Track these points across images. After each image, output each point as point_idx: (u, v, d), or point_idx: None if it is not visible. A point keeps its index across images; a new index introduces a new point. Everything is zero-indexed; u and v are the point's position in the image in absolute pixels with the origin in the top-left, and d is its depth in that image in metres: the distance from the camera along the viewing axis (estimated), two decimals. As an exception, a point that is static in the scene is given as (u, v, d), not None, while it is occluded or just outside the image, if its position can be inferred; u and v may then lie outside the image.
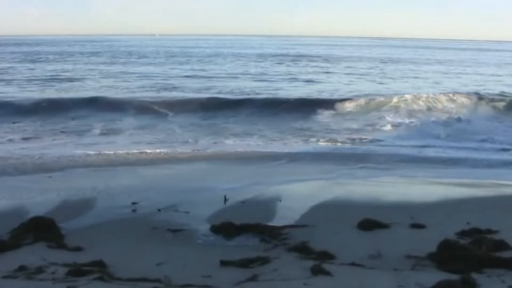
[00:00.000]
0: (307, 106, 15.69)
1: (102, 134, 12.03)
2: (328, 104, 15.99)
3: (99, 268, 4.26)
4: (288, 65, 32.18)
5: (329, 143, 11.28)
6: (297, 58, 39.02)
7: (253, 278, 4.11)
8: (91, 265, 4.33)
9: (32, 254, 4.61)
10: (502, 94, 18.15)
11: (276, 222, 5.76)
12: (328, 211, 6.26)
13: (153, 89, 19.19)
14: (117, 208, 6.30)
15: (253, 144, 11.00)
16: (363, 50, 60.27)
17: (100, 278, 4.04)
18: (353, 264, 4.46)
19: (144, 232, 5.42)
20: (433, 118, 14.47)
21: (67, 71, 26.01)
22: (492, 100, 16.67)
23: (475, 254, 4.54)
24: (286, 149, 10.60)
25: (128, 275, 4.14)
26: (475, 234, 5.25)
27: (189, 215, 6.03)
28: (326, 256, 4.64)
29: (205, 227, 5.59)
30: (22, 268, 4.24)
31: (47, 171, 8.27)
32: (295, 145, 11.16)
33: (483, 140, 11.54)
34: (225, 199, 6.60)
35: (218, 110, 14.98)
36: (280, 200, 6.66)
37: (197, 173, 8.49)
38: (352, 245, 5.01)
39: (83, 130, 12.32)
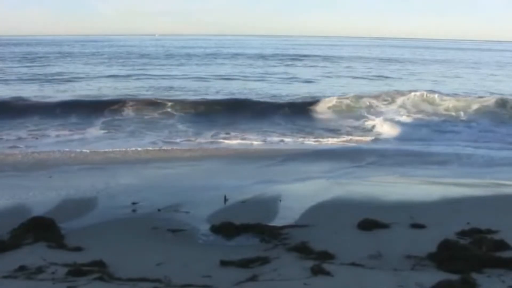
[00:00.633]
0: (306, 106, 15.69)
1: (102, 133, 12.03)
2: (326, 103, 16.01)
3: (99, 268, 4.26)
4: (288, 65, 32.17)
5: (329, 142, 11.29)
6: (297, 58, 39.00)
7: (253, 278, 4.11)
8: (91, 265, 4.34)
9: (32, 254, 4.61)
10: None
11: (276, 222, 5.76)
12: (328, 211, 6.26)
13: (153, 89, 19.18)
14: (117, 208, 6.30)
15: (253, 144, 11.01)
16: (365, 50, 60.24)
17: (100, 278, 4.04)
18: (353, 264, 4.46)
19: (144, 232, 5.42)
20: (433, 118, 14.48)
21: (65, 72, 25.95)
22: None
23: (475, 254, 4.54)
24: (285, 149, 10.61)
25: (128, 275, 4.14)
26: (475, 234, 5.25)
27: (189, 215, 6.03)
28: (326, 256, 4.64)
29: (205, 227, 5.60)
30: (22, 268, 4.24)
31: (47, 171, 8.28)
32: (295, 144, 11.17)
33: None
34: (225, 199, 6.60)
35: (216, 110, 14.96)
36: (280, 200, 6.66)
37: (197, 173, 8.49)
38: (352, 245, 5.01)
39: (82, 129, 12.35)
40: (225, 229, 5.44)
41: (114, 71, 26.38)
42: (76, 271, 4.18)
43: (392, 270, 4.31)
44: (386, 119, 13.95)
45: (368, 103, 16.05)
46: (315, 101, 16.19)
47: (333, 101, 16.19)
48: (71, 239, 5.11)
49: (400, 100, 16.43)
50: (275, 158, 9.57)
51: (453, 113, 15.07)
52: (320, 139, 11.63)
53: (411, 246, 4.89)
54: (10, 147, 10.16)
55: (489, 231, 5.32)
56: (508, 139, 11.89)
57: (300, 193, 7.15)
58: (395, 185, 7.77)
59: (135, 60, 34.61)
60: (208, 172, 8.54)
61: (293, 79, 24.10)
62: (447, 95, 17.36)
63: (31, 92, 17.61)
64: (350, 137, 11.93)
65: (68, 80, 21.93)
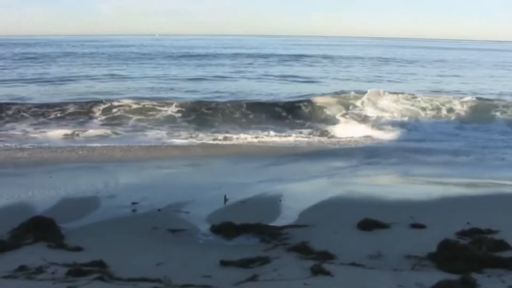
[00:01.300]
0: (304, 105, 15.63)
1: (102, 133, 12.04)
2: (326, 102, 15.97)
3: (99, 268, 4.26)
4: (288, 65, 32.14)
5: (328, 142, 11.30)
6: (298, 58, 38.95)
7: (253, 278, 4.12)
8: (91, 265, 4.33)
9: (32, 254, 4.61)
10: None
11: (276, 222, 5.77)
12: (328, 211, 6.26)
13: (154, 89, 19.16)
14: (117, 208, 6.30)
15: (252, 144, 11.01)
16: (368, 50, 60.18)
17: (100, 278, 4.04)
18: (353, 264, 4.46)
19: (144, 232, 5.42)
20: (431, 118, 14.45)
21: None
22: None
23: (475, 254, 4.55)
24: (285, 148, 10.61)
25: (128, 275, 4.14)
26: (475, 234, 5.25)
27: (189, 215, 6.03)
28: (326, 256, 4.64)
29: (205, 227, 5.60)
30: (22, 268, 4.24)
31: (47, 170, 8.29)
32: (294, 144, 11.17)
33: None
34: (225, 199, 6.60)
35: (214, 110, 14.92)
36: (280, 200, 6.67)
37: (197, 173, 8.50)
38: (352, 245, 5.01)
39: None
40: (225, 229, 5.44)
41: (115, 71, 26.33)
42: (76, 271, 4.17)
43: (392, 270, 4.32)
44: (382, 117, 13.91)
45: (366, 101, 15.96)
46: (311, 100, 16.11)
47: (331, 99, 16.17)
48: (71, 239, 5.11)
49: (397, 98, 16.33)
50: (275, 158, 9.58)
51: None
52: (318, 138, 11.67)
53: (411, 246, 4.89)
54: (10, 147, 10.15)
55: (489, 231, 5.33)
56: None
57: (300, 193, 7.15)
58: (395, 185, 7.77)
59: (135, 60, 34.54)
60: (208, 172, 8.54)
61: (292, 79, 24.06)
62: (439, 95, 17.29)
63: (30, 92, 17.55)
64: (348, 135, 11.95)
65: (69, 80, 21.89)
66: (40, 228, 5.20)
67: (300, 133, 12.43)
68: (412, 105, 15.32)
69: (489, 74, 29.16)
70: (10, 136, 11.33)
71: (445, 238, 4.83)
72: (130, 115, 13.92)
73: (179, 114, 14.31)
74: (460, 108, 15.16)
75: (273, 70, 27.68)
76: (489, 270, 4.27)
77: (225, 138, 11.53)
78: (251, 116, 14.30)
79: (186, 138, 11.57)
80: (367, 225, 5.56)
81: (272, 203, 6.56)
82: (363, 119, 14.03)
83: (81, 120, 13.53)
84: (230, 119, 13.97)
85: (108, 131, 12.20)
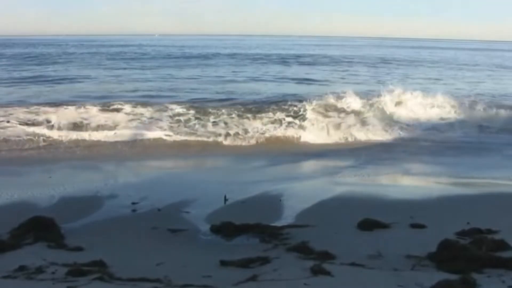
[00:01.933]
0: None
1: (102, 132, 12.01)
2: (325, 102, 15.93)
3: (99, 268, 4.26)
4: (288, 66, 32.13)
5: (327, 142, 11.30)
6: (298, 58, 38.91)
7: (253, 278, 4.11)
8: (91, 265, 4.33)
9: (32, 254, 4.61)
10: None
11: (276, 222, 5.77)
12: (328, 211, 6.27)
13: (153, 89, 19.14)
14: (117, 208, 6.31)
15: (252, 143, 11.01)
16: (370, 50, 60.11)
17: (100, 278, 4.04)
18: (353, 264, 4.46)
19: (144, 232, 5.42)
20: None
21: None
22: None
23: (475, 254, 4.54)
24: (286, 148, 10.62)
25: (128, 275, 4.14)
26: (475, 234, 5.25)
27: (189, 215, 6.04)
28: (326, 256, 4.64)
29: (205, 227, 5.60)
30: (22, 268, 4.24)
31: (47, 170, 8.30)
32: (294, 143, 11.18)
33: None
34: (225, 199, 6.60)
35: (211, 110, 14.87)
36: (280, 200, 6.67)
37: (197, 173, 8.51)
38: (352, 245, 5.01)
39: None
40: (225, 229, 5.44)
41: (116, 71, 26.31)
42: (76, 271, 4.17)
43: (392, 270, 4.32)
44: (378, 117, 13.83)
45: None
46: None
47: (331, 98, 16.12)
48: (71, 239, 5.11)
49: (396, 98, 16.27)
50: (276, 158, 9.58)
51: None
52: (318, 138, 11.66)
53: (411, 246, 4.89)
54: (10, 147, 10.16)
55: (489, 231, 5.32)
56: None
57: (300, 193, 7.15)
58: (395, 185, 7.78)
59: (134, 60, 34.51)
60: (208, 172, 8.55)
61: (291, 78, 23.99)
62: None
63: (29, 92, 17.50)
64: (348, 135, 11.93)
65: (70, 80, 21.87)
66: (40, 228, 5.19)
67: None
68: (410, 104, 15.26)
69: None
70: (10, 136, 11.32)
71: (445, 238, 4.82)
72: (130, 115, 13.84)
73: (179, 114, 14.29)
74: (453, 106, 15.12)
75: (289, 72, 27.58)
76: (489, 270, 4.26)
77: (224, 139, 11.49)
78: (251, 116, 14.30)
79: (186, 138, 11.54)
80: (367, 225, 5.56)
81: (272, 203, 6.57)
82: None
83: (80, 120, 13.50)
84: (228, 120, 13.91)
85: (108, 131, 12.18)
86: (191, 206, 6.38)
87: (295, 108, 13.17)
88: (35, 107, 12.70)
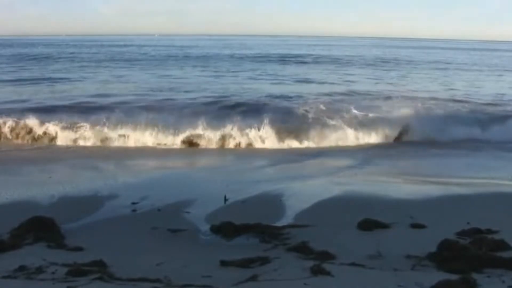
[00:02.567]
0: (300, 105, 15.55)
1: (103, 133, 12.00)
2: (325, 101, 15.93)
3: (99, 268, 4.26)
4: (287, 66, 32.16)
5: (327, 141, 11.29)
6: (299, 58, 38.92)
7: (253, 278, 4.11)
8: (91, 265, 4.33)
9: (32, 254, 4.61)
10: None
11: (276, 222, 5.77)
12: (328, 211, 6.27)
13: (154, 89, 19.14)
14: (117, 208, 6.30)
15: (252, 143, 11.01)
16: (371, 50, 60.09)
17: (100, 278, 4.04)
18: (353, 264, 4.46)
19: (144, 232, 5.42)
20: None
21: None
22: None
23: (475, 254, 4.54)
24: (285, 148, 10.62)
25: (128, 275, 4.14)
26: (475, 234, 5.25)
27: (189, 215, 6.04)
28: (326, 256, 4.64)
29: (205, 227, 5.60)
30: (22, 268, 4.24)
31: (47, 170, 8.30)
32: (293, 143, 11.17)
33: None
34: (225, 199, 6.60)
35: (209, 110, 14.87)
36: (280, 200, 6.67)
37: (197, 173, 8.51)
38: (352, 245, 5.02)
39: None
40: (225, 229, 5.44)
41: (117, 71, 26.30)
42: (76, 271, 4.17)
43: (392, 270, 4.32)
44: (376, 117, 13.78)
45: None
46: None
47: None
48: (71, 239, 5.11)
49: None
50: (276, 158, 9.59)
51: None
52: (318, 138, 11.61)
53: (411, 246, 4.89)
54: (10, 147, 10.16)
55: (489, 231, 5.32)
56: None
57: (300, 193, 7.15)
58: (395, 185, 7.77)
59: (135, 61, 34.49)
60: (208, 171, 8.55)
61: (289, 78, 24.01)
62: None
63: (29, 94, 17.49)
64: (347, 135, 11.90)
65: (71, 81, 21.85)
66: (40, 228, 5.19)
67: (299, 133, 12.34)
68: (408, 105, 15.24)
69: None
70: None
71: (445, 238, 4.83)
72: (122, 118, 13.75)
73: (179, 113, 14.28)
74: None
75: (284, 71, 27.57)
76: (489, 270, 4.27)
77: (224, 140, 11.47)
78: (251, 116, 14.29)
79: (186, 137, 11.53)
80: (367, 225, 5.56)
81: (272, 203, 6.57)
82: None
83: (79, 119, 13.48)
84: (227, 120, 13.90)
85: (107, 132, 12.18)
86: (191, 206, 6.38)
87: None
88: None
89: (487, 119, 13.35)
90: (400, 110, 13.28)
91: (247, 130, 11.18)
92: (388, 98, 15.99)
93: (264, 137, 11.12)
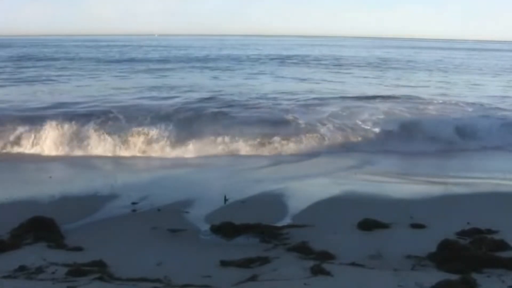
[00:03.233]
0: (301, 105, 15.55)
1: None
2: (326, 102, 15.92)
3: (99, 268, 4.27)
4: (287, 66, 32.11)
5: (326, 142, 11.27)
6: (299, 59, 38.85)
7: (253, 278, 4.12)
8: (91, 265, 4.34)
9: (32, 254, 4.61)
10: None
11: (276, 222, 5.77)
12: (328, 211, 6.27)
13: (152, 89, 19.11)
14: (117, 208, 6.31)
15: (252, 143, 10.99)
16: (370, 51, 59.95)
17: (100, 278, 4.04)
18: (353, 264, 4.47)
19: (144, 232, 5.43)
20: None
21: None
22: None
23: (475, 254, 4.55)
24: (285, 148, 10.60)
25: (128, 275, 4.14)
26: (475, 234, 5.26)
27: (189, 215, 6.04)
28: (326, 256, 4.64)
29: (205, 227, 5.60)
30: (22, 268, 4.24)
31: (47, 170, 8.30)
32: (293, 143, 11.15)
33: None
34: (225, 199, 6.61)
35: (207, 111, 14.84)
36: (280, 200, 6.67)
37: (197, 172, 8.50)
38: (352, 245, 5.02)
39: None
40: (225, 229, 5.44)
41: (118, 72, 26.22)
42: (76, 271, 4.17)
43: (392, 270, 4.32)
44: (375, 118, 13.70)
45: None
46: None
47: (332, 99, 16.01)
48: (71, 239, 5.12)
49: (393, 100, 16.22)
50: (275, 158, 9.58)
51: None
52: (317, 139, 11.56)
53: (411, 246, 4.90)
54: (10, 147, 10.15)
55: (489, 231, 5.33)
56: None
57: (300, 192, 7.15)
58: (395, 185, 7.77)
59: (134, 61, 34.35)
60: (208, 171, 8.55)
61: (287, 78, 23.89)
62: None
63: (28, 95, 17.44)
64: (347, 135, 11.88)
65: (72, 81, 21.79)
66: (40, 228, 5.20)
67: (299, 133, 12.31)
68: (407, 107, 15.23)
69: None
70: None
71: (445, 238, 4.83)
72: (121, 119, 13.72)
73: (179, 113, 14.26)
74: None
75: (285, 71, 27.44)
76: (489, 270, 4.27)
77: (224, 139, 11.45)
78: (250, 116, 14.28)
79: (184, 139, 11.51)
80: (367, 225, 5.56)
81: (272, 203, 6.57)
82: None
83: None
84: (226, 120, 13.88)
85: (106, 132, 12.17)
86: (191, 206, 6.38)
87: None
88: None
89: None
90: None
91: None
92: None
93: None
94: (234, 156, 9.81)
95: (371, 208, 6.22)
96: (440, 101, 16.15)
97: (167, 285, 3.98)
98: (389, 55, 49.28)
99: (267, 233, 5.34)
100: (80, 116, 12.86)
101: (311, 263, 4.43)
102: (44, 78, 22.35)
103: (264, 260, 4.54)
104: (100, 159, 9.34)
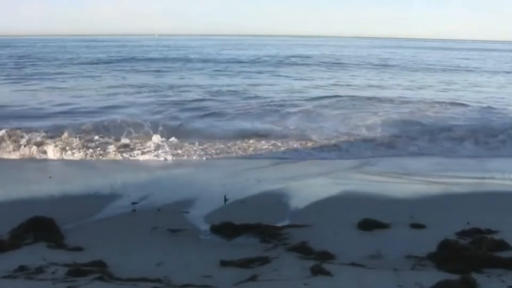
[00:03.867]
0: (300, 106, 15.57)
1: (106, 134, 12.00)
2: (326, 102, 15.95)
3: (99, 268, 4.27)
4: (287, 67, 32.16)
5: (326, 142, 11.26)
6: (299, 59, 38.90)
7: (253, 278, 4.12)
8: (91, 265, 4.34)
9: (32, 254, 4.61)
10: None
11: (276, 222, 5.77)
12: (328, 211, 6.27)
13: (154, 89, 19.14)
14: (117, 208, 6.31)
15: (252, 143, 10.98)
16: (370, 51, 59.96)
17: (100, 278, 4.04)
18: (353, 264, 4.47)
19: (144, 232, 5.43)
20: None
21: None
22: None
23: (475, 254, 4.55)
24: (284, 148, 10.59)
25: (128, 275, 4.14)
26: (475, 234, 5.26)
27: (189, 215, 6.04)
28: (326, 256, 4.65)
29: (205, 227, 5.60)
30: (22, 268, 4.24)
31: (47, 170, 8.30)
32: (293, 143, 11.14)
33: None
34: (225, 199, 6.61)
35: (207, 111, 14.86)
36: (280, 200, 6.67)
37: (197, 172, 8.50)
38: (352, 245, 5.02)
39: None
40: (225, 229, 5.44)
41: (117, 72, 26.28)
42: (76, 271, 4.17)
43: (392, 270, 4.32)
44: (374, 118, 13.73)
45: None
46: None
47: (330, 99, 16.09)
48: (71, 239, 5.12)
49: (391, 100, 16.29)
50: (276, 158, 9.58)
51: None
52: (317, 139, 11.56)
53: (411, 246, 4.90)
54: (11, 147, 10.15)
55: (489, 231, 5.33)
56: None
57: (300, 192, 7.15)
58: (395, 185, 7.77)
59: (134, 62, 34.38)
60: (208, 171, 8.54)
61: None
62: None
63: (27, 98, 17.43)
64: (347, 135, 11.89)
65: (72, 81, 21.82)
66: (40, 228, 5.20)
67: (299, 133, 12.32)
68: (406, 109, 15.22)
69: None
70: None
71: (445, 238, 4.84)
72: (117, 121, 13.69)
73: (179, 113, 14.29)
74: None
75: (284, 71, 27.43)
76: (489, 270, 4.27)
77: (224, 139, 11.45)
78: (250, 116, 14.30)
79: (187, 137, 11.51)
80: (367, 225, 5.56)
81: (272, 203, 6.57)
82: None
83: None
84: (226, 120, 13.90)
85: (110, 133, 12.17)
86: (191, 206, 6.38)
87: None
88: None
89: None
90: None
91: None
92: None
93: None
94: (234, 156, 9.80)
95: (371, 208, 6.22)
96: (440, 101, 16.21)
97: (167, 285, 3.98)
98: (389, 55, 49.37)
99: (267, 233, 5.34)
100: (80, 116, 12.93)
101: (311, 263, 4.43)
102: (44, 78, 22.43)
103: (264, 260, 4.54)
104: (100, 160, 9.34)
